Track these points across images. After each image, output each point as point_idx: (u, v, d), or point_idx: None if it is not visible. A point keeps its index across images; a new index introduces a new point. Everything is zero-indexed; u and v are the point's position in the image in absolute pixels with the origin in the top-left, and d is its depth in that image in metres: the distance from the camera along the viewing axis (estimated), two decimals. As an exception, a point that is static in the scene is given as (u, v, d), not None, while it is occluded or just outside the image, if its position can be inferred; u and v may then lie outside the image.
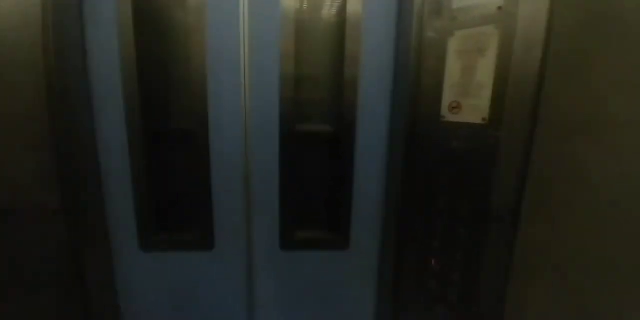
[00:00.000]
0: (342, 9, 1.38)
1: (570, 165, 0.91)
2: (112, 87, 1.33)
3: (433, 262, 1.32)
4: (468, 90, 1.14)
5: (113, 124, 1.37)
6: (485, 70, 1.08)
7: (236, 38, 1.36)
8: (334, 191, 1.59)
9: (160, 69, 1.41)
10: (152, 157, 1.44)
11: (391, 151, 1.51)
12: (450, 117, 1.22)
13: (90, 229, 1.37)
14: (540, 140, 0.97)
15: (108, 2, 1.26)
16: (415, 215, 1.37)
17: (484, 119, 1.11)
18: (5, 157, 1.13)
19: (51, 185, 1.17)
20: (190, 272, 1.56)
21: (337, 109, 1.48)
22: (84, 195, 1.30)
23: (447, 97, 1.21)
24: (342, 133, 1.49)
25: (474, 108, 1.13)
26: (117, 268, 1.53)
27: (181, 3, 1.33)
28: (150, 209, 1.47)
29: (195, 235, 1.53)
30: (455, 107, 1.19)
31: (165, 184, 1.51)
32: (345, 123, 1.47)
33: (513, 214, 1.05)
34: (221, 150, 1.44)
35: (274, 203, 1.52)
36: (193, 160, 1.45)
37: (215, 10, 1.33)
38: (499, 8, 1.02)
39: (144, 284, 1.56)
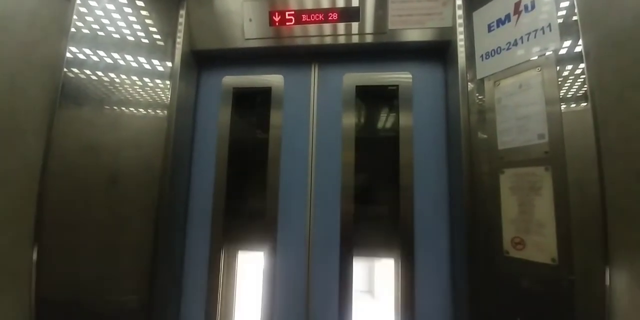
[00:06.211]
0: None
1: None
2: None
3: None
4: (529, 227, 1.11)
5: (199, 241, 1.60)
6: (544, 209, 1.07)
7: (306, 150, 1.60)
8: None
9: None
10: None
11: (454, 278, 1.43)
12: (514, 253, 1.16)
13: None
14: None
15: (210, 153, 1.65)
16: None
17: (553, 259, 1.04)
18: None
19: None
20: None
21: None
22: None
23: (508, 232, 1.18)
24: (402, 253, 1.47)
25: (539, 246, 1.08)
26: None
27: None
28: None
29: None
30: (519, 243, 1.14)
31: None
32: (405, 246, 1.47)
33: None
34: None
35: None
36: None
37: (288, 138, 1.62)
38: (545, 152, 1.08)
39: None
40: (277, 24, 1.56)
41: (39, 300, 1.26)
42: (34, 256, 1.27)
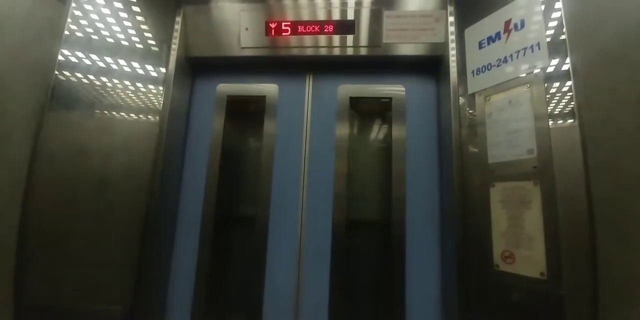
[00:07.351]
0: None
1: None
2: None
3: None
4: (519, 241, 1.12)
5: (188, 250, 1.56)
6: (533, 223, 1.08)
7: (298, 160, 1.59)
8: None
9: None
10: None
11: (445, 290, 1.42)
12: (504, 267, 1.16)
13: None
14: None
15: (202, 161, 1.63)
16: None
17: (542, 273, 1.04)
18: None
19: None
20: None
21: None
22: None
23: (498, 245, 1.18)
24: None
25: (528, 260, 1.08)
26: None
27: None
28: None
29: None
30: (508, 257, 1.15)
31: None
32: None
33: None
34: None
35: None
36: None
37: (281, 148, 1.61)
38: (534, 167, 1.10)
39: None
40: (273, 33, 1.57)
41: (20, 309, 1.21)
42: (15, 263, 1.22)
